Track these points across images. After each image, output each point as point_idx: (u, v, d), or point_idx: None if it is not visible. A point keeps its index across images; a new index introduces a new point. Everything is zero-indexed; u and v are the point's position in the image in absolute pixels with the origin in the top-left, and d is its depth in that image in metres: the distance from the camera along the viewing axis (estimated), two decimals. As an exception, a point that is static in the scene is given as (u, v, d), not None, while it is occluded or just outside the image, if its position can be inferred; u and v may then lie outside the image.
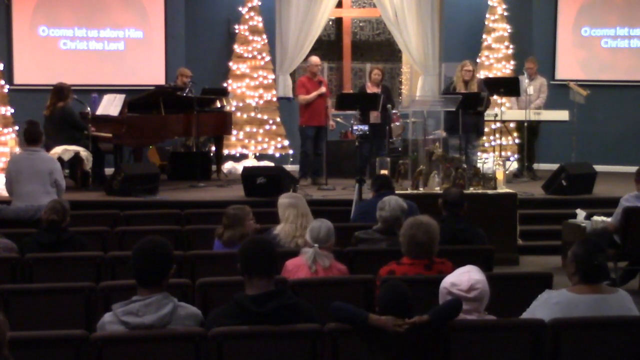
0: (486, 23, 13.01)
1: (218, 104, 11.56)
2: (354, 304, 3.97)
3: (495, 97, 11.77)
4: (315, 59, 11.23)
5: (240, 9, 12.79)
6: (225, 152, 12.06)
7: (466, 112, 10.10)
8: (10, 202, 7.62)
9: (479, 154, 11.37)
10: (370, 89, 10.83)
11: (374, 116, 10.54)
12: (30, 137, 7.60)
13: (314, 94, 10.85)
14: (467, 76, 10.47)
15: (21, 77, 12.42)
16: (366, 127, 9.29)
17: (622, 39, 12.94)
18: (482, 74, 12.55)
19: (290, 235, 5.66)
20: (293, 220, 5.73)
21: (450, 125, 10.42)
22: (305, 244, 5.25)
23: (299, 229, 5.68)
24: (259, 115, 12.76)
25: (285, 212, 5.80)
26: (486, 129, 12.45)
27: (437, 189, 8.10)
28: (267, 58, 12.84)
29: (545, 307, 3.96)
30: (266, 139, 12.74)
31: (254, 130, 12.72)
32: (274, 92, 12.87)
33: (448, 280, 3.91)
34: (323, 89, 10.92)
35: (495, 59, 12.93)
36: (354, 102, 10.46)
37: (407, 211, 5.93)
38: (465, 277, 3.87)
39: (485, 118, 11.44)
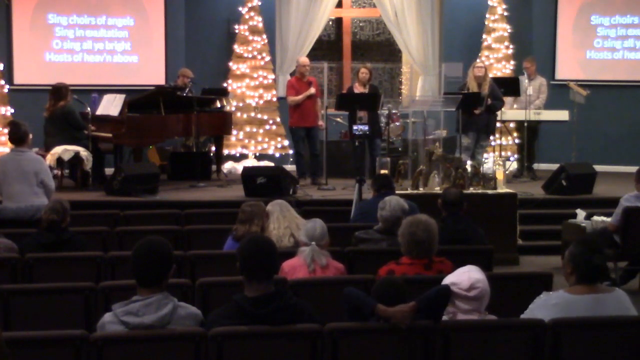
0: (486, 23, 13.01)
1: (218, 104, 11.56)
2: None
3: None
4: (303, 59, 11.20)
5: (240, 9, 12.79)
6: (225, 152, 12.07)
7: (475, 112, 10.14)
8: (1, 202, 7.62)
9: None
10: (358, 88, 10.79)
11: (359, 116, 10.50)
12: (14, 137, 7.57)
13: (302, 95, 10.83)
14: (478, 72, 10.46)
15: (21, 77, 12.42)
16: (366, 127, 9.28)
17: (622, 39, 12.94)
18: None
19: (276, 238, 5.65)
20: (272, 227, 5.75)
21: (462, 125, 10.40)
22: (294, 243, 5.32)
23: (281, 230, 5.71)
24: (259, 115, 12.76)
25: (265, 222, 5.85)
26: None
27: (437, 189, 8.10)
28: (267, 58, 12.84)
29: (543, 308, 3.96)
30: (266, 139, 12.75)
31: (254, 130, 12.73)
32: (274, 92, 12.87)
33: (448, 280, 3.91)
34: (312, 90, 10.88)
35: (495, 59, 12.94)
36: (354, 102, 10.45)
37: (408, 212, 5.93)
38: (465, 277, 3.87)
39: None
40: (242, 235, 5.56)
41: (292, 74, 13.12)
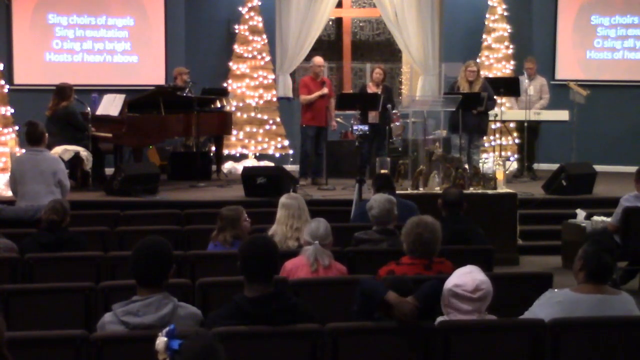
0: (486, 23, 13.02)
1: (218, 104, 11.56)
2: (352, 302, 3.99)
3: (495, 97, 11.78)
4: (318, 60, 11.22)
5: (240, 9, 12.79)
6: (225, 152, 12.06)
7: (469, 111, 10.13)
8: (14, 202, 7.63)
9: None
10: (371, 88, 10.83)
11: (372, 116, 10.55)
12: (31, 137, 7.61)
13: (315, 94, 10.84)
14: (470, 76, 10.48)
15: (21, 77, 12.42)
16: (366, 127, 9.28)
17: (622, 39, 12.94)
18: (482, 74, 12.55)
19: (283, 236, 5.64)
20: (284, 222, 5.70)
21: (453, 124, 10.44)
22: (298, 246, 5.28)
23: (290, 230, 5.66)
24: (259, 115, 12.76)
25: (278, 213, 5.79)
26: (486, 129, 12.48)
27: (437, 189, 8.10)
28: (267, 58, 12.84)
29: (547, 305, 3.96)
30: (266, 139, 12.75)
31: (254, 130, 12.73)
32: (274, 92, 12.87)
33: (451, 282, 3.85)
34: (325, 90, 10.90)
35: (495, 59, 12.94)
36: (354, 102, 10.46)
37: (407, 211, 5.93)
38: (469, 278, 3.84)
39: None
40: (223, 241, 5.53)
41: (292, 74, 13.15)
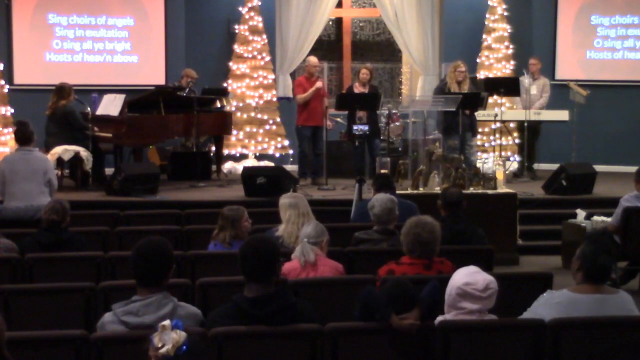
0: (486, 23, 13.01)
1: (218, 104, 11.56)
2: (353, 304, 3.98)
3: (495, 97, 11.78)
4: (313, 60, 11.21)
5: (240, 9, 12.79)
6: (225, 152, 12.06)
7: (460, 112, 10.11)
8: (1, 202, 7.63)
9: (478, 153, 11.36)
10: (358, 88, 10.81)
11: (360, 115, 10.52)
12: (22, 137, 7.62)
13: (310, 90, 10.83)
14: (460, 77, 10.46)
15: (21, 77, 12.42)
16: (366, 127, 9.28)
17: (622, 39, 12.94)
18: (482, 74, 12.56)
19: (293, 235, 5.64)
20: (294, 221, 5.72)
21: (445, 126, 10.43)
22: None
23: (301, 228, 5.65)
24: (259, 115, 12.76)
25: (286, 213, 5.79)
26: (486, 129, 12.49)
27: (437, 189, 8.10)
28: (267, 58, 12.84)
29: (546, 306, 3.97)
30: (266, 139, 12.75)
31: (254, 130, 12.73)
32: (274, 92, 12.87)
33: (460, 281, 3.83)
34: (319, 84, 10.89)
35: (495, 59, 12.93)
36: (354, 102, 10.45)
37: (407, 211, 5.93)
38: (480, 277, 3.82)
39: (486, 118, 11.47)
40: (223, 240, 5.55)
41: (292, 74, 13.14)
